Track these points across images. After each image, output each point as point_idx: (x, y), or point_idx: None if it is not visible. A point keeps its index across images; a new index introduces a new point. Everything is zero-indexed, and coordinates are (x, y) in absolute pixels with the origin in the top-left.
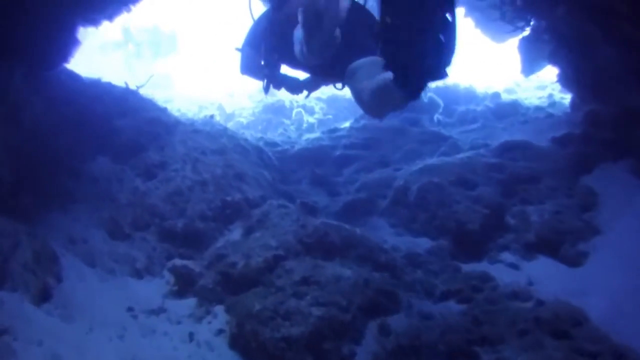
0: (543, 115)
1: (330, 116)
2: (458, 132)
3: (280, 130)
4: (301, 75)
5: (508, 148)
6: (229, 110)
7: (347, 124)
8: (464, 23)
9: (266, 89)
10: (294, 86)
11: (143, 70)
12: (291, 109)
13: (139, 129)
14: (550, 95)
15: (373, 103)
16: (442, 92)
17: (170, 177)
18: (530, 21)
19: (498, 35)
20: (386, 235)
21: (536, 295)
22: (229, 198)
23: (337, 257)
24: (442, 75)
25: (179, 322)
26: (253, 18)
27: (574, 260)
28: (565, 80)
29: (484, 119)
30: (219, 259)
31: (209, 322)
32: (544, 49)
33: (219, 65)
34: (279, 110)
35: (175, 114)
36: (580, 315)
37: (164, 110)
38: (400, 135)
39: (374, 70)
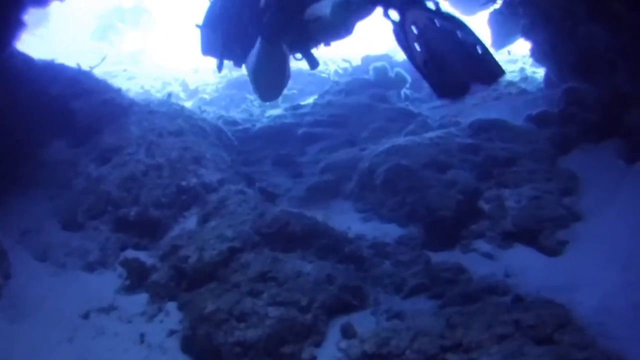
0: (516, 91)
1: (294, 91)
2: (427, 108)
3: (243, 106)
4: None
5: (482, 127)
6: (192, 87)
7: (311, 100)
8: None
9: (219, 68)
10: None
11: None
12: None
13: (93, 111)
14: (522, 70)
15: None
16: (409, 66)
17: (124, 162)
18: None
19: (468, 8)
20: (352, 221)
21: (514, 289)
22: (184, 183)
23: (298, 248)
24: None
25: (129, 321)
26: None
27: (554, 250)
28: (539, 55)
29: None
30: (172, 251)
31: (161, 321)
32: (516, 22)
33: (185, 40)
34: (242, 85)
35: (139, 91)
36: (564, 316)
37: (119, 91)
38: (367, 112)
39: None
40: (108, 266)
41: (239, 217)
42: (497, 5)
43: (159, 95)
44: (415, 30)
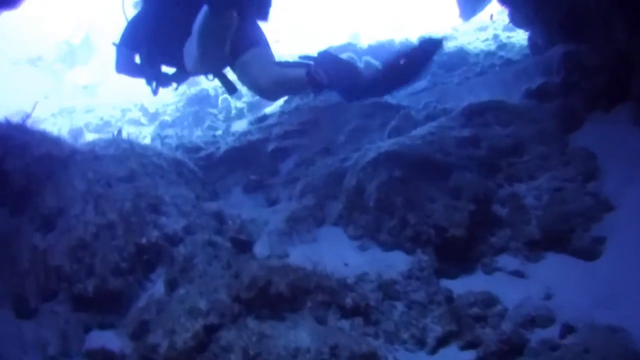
0: (499, 61)
1: (258, 97)
2: (405, 95)
3: (208, 122)
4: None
5: (476, 111)
6: (152, 110)
7: (278, 104)
8: None
9: (155, 91)
10: (167, 80)
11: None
12: (217, 96)
13: (30, 170)
14: (496, 37)
15: (272, 89)
16: (375, 50)
17: (70, 226)
18: None
19: None
20: (347, 251)
21: (559, 314)
22: (144, 240)
23: (288, 313)
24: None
25: None
26: (126, 17)
27: (591, 251)
28: (520, 19)
29: (430, 74)
30: (141, 329)
31: None
32: None
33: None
34: (203, 100)
35: (99, 122)
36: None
37: (57, 141)
38: (339, 112)
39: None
40: (72, 356)
41: (211, 282)
42: None
43: (119, 125)
44: None
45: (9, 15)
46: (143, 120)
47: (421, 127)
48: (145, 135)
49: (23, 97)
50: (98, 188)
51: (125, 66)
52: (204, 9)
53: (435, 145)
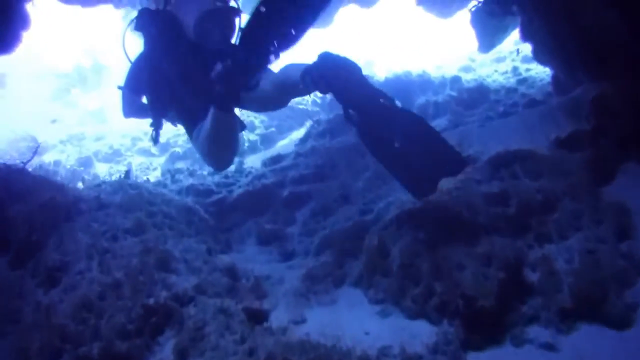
0: (520, 99)
1: (273, 129)
2: None
3: None
4: None
5: (504, 162)
6: (163, 139)
7: (294, 136)
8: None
9: (156, 140)
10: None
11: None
12: None
13: (32, 219)
14: (515, 69)
15: (277, 97)
16: (393, 83)
17: (75, 283)
18: None
19: (444, 10)
20: (368, 318)
21: None
22: (151, 301)
23: None
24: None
25: None
26: (129, 59)
27: (622, 320)
28: (544, 55)
29: (450, 112)
30: None
31: None
32: (501, 20)
33: None
34: None
35: (108, 151)
36: None
37: (61, 187)
38: (357, 155)
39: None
40: None
41: (224, 357)
42: (475, 2)
43: (128, 155)
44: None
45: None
46: (154, 150)
47: (446, 179)
48: (155, 166)
49: (31, 122)
50: (103, 242)
51: (131, 110)
52: (212, 110)
53: (462, 201)
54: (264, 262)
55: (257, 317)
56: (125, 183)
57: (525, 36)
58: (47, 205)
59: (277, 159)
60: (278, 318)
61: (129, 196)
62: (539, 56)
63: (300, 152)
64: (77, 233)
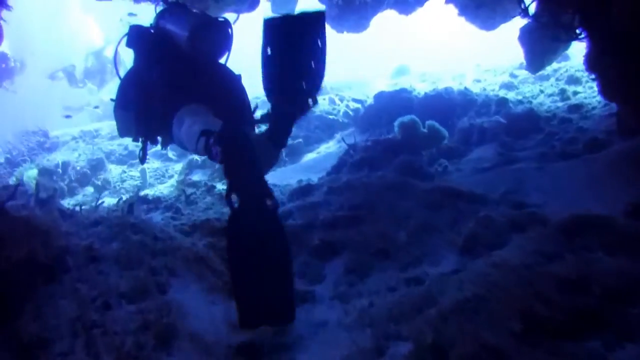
0: (579, 134)
1: (300, 139)
2: (470, 172)
3: None
4: None
5: (575, 230)
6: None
7: (322, 150)
8: (445, 11)
9: (143, 160)
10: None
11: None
12: None
13: (6, 278)
14: (563, 92)
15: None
16: (432, 102)
17: None
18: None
19: (488, 21)
20: None
21: None
22: None
23: None
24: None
25: None
26: (119, 76)
27: None
28: (612, 93)
29: (498, 142)
30: None
31: None
32: (553, 39)
33: None
34: None
35: (122, 152)
36: None
37: (46, 234)
38: (399, 195)
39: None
40: None
41: None
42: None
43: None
44: None
45: None
46: (171, 154)
47: (509, 249)
48: (172, 173)
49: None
50: (92, 313)
51: (125, 129)
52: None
53: (531, 286)
54: (288, 335)
55: None
56: (128, 223)
57: (591, 68)
58: (24, 263)
59: (306, 190)
60: None
61: (129, 245)
62: (608, 94)
63: (334, 187)
64: (59, 300)
